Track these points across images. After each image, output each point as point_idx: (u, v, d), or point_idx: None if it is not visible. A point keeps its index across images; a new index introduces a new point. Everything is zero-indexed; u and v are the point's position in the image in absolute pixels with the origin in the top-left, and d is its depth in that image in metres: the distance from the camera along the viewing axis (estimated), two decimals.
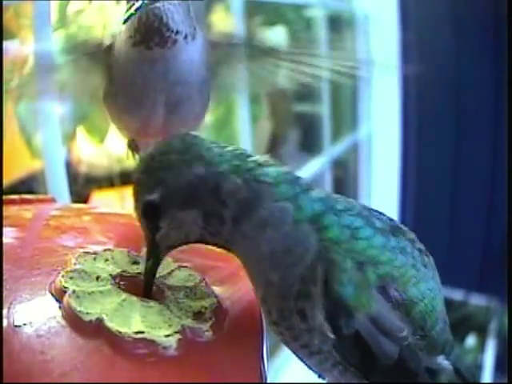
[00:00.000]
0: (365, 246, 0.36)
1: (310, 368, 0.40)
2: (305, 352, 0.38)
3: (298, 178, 0.38)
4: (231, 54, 0.54)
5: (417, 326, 0.37)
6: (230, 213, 0.36)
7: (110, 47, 0.50)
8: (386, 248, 0.37)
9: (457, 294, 2.33)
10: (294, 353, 0.40)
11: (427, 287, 0.38)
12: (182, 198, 0.36)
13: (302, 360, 0.40)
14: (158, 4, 0.44)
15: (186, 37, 0.47)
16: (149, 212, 0.37)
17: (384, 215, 0.40)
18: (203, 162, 0.36)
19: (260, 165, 0.37)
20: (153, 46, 0.46)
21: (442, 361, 0.39)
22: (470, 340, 2.31)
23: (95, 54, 0.52)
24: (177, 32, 0.46)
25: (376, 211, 0.40)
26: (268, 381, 0.40)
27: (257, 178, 0.36)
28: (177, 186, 0.36)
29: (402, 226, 0.40)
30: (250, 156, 0.37)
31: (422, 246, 0.40)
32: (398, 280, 0.36)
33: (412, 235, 0.40)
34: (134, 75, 0.48)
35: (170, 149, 0.37)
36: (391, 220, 0.40)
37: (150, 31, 0.46)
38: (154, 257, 0.39)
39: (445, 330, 0.40)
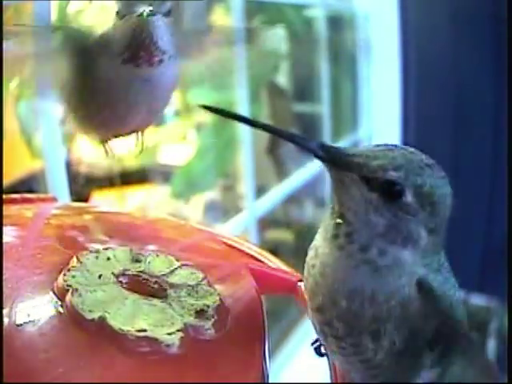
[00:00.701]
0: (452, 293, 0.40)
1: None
2: (362, 366, 0.38)
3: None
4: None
5: None
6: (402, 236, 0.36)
7: (97, 48, 0.51)
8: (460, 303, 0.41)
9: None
10: (342, 364, 0.40)
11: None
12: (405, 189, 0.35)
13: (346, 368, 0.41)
14: (154, 18, 0.46)
15: (170, 57, 0.49)
16: (377, 180, 0.35)
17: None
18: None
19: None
20: (142, 63, 0.48)
21: None
22: None
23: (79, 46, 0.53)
24: (164, 52, 0.48)
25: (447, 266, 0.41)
26: (269, 380, 0.40)
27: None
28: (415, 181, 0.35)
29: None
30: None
31: None
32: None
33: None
34: (119, 89, 0.50)
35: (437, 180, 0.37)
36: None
37: (140, 49, 0.48)
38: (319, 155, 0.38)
39: None
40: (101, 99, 0.52)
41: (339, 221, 0.36)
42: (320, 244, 0.38)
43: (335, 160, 0.37)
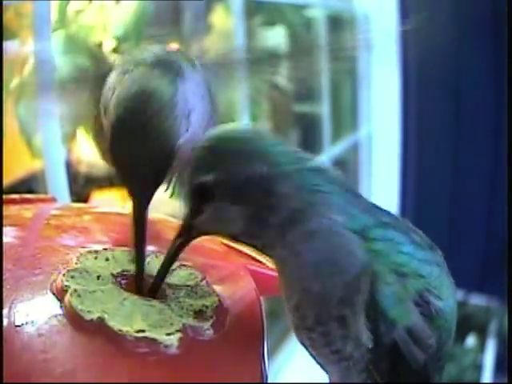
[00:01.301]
0: (407, 260, 0.37)
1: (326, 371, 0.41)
2: (334, 358, 0.38)
3: (352, 188, 0.38)
4: (232, 71, 0.53)
5: (438, 336, 0.38)
6: (278, 219, 0.35)
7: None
8: (425, 261, 0.38)
9: (457, 294, 2.32)
10: (314, 357, 0.40)
11: (453, 304, 0.39)
12: (234, 190, 0.35)
13: (322, 366, 0.41)
14: None
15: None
16: (197, 193, 0.36)
17: (419, 231, 0.40)
18: (267, 159, 0.35)
19: (318, 171, 0.36)
20: None
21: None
22: (470, 340, 2.31)
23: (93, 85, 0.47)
24: None
25: (413, 227, 0.40)
26: (269, 380, 0.40)
27: (313, 186, 0.36)
28: (234, 176, 0.35)
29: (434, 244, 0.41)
30: (309, 160, 0.37)
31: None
32: (433, 292, 0.37)
33: (441, 253, 0.41)
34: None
35: (238, 138, 0.36)
36: (425, 236, 0.41)
37: None
38: (184, 239, 0.38)
39: (449, 349, 0.41)
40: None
41: None
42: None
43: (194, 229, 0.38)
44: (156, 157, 0.37)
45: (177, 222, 0.58)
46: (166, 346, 0.34)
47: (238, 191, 0.35)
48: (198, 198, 0.37)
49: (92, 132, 0.50)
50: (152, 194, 0.39)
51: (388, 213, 0.39)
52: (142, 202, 0.38)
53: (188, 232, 0.38)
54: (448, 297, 0.38)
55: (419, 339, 0.36)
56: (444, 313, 0.38)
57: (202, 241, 0.52)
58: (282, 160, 0.35)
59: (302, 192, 0.35)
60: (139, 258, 0.39)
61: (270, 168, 0.35)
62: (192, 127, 0.41)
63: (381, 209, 0.39)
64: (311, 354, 0.40)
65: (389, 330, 0.36)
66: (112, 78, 0.41)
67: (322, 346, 0.38)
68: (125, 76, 0.39)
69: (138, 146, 0.36)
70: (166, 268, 0.39)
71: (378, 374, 0.38)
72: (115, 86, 0.39)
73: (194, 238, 0.39)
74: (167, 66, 0.40)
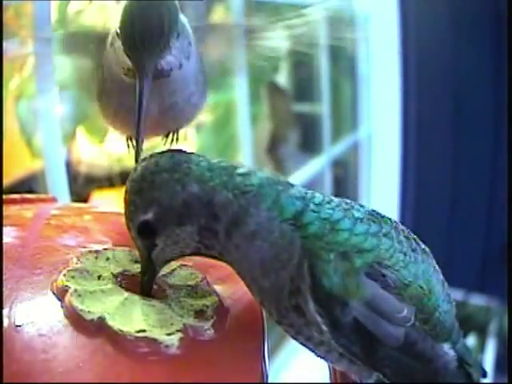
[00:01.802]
0: (347, 236, 0.37)
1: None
2: (310, 344, 0.39)
3: (278, 179, 0.39)
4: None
5: (416, 308, 0.37)
6: (222, 226, 0.37)
7: (103, 47, 0.49)
8: (368, 234, 0.37)
9: (457, 294, 2.33)
10: (304, 346, 0.40)
11: (419, 269, 0.38)
12: (176, 215, 0.37)
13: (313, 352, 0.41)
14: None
15: (180, 66, 0.47)
16: (144, 231, 0.38)
17: (363, 206, 0.40)
18: (194, 178, 0.37)
19: (244, 175, 0.38)
20: None
21: (448, 350, 0.39)
22: (470, 340, 2.31)
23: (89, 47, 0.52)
24: (171, 69, 0.46)
25: (356, 204, 0.40)
26: (269, 380, 0.40)
27: (243, 190, 0.37)
28: (170, 204, 0.37)
29: (384, 215, 0.41)
30: (236, 168, 0.38)
31: (410, 233, 0.41)
32: (386, 262, 0.37)
33: (396, 223, 0.41)
34: (127, 96, 0.47)
35: (160, 167, 0.37)
36: (372, 211, 0.41)
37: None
38: (150, 273, 0.40)
39: (450, 313, 0.40)
40: (112, 103, 0.51)
41: None
42: None
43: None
44: (160, 31, 0.43)
45: None
46: (167, 346, 0.34)
47: (180, 214, 0.37)
48: (148, 236, 0.38)
49: (96, 89, 0.53)
50: (152, 65, 0.43)
51: (322, 194, 0.40)
52: (146, 71, 0.43)
53: (151, 267, 0.39)
54: (407, 264, 0.38)
55: (385, 312, 0.36)
56: (410, 281, 0.37)
57: None
58: (208, 176, 0.37)
59: (234, 197, 0.37)
60: (139, 128, 0.43)
61: (201, 185, 0.37)
62: (192, 59, 0.47)
63: (313, 192, 0.39)
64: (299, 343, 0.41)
65: (344, 310, 0.35)
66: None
67: (295, 336, 0.39)
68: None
69: (146, 22, 0.43)
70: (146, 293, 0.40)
71: (353, 357, 0.37)
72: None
73: (159, 269, 0.40)
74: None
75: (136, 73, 0.43)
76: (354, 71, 2.54)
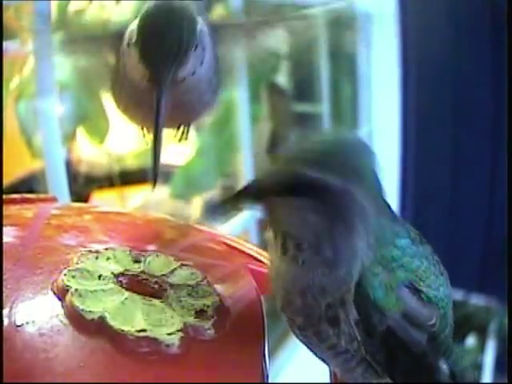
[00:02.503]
0: (399, 254, 0.38)
1: (325, 362, 0.42)
2: (331, 353, 0.39)
3: None
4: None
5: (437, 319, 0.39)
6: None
7: (119, 44, 0.49)
8: (416, 256, 0.39)
9: (457, 294, 2.33)
10: (316, 353, 0.41)
11: (444, 293, 0.40)
12: (326, 205, 0.35)
13: (323, 360, 0.41)
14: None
15: (193, 72, 0.47)
16: (289, 183, 0.35)
17: (407, 224, 0.41)
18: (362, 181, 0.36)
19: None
20: None
21: (442, 364, 0.41)
22: (470, 340, 2.30)
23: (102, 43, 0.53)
24: (185, 73, 0.46)
25: (407, 223, 0.41)
26: (269, 380, 0.40)
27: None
28: (336, 192, 0.35)
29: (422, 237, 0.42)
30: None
31: (437, 258, 0.43)
32: (424, 282, 0.38)
33: (429, 246, 0.42)
34: (143, 93, 0.47)
35: (349, 151, 0.36)
36: (413, 229, 0.42)
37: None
38: (234, 203, 0.38)
39: (450, 335, 0.42)
40: (128, 98, 0.51)
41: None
42: (273, 258, 0.39)
43: (249, 198, 0.37)
44: (179, 45, 0.43)
45: (176, 222, 0.59)
46: (167, 346, 0.34)
47: (327, 204, 0.35)
48: (282, 187, 0.35)
49: (111, 83, 0.53)
50: (170, 78, 0.44)
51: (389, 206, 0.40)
52: (163, 83, 0.43)
53: (255, 194, 0.36)
54: (438, 287, 0.40)
55: (418, 321, 0.38)
56: (437, 300, 0.39)
57: (203, 241, 0.53)
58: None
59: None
60: (157, 137, 0.43)
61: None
62: (205, 63, 0.47)
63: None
64: (311, 350, 0.41)
65: (382, 319, 0.36)
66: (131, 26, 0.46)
67: (316, 343, 0.39)
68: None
69: (164, 36, 0.43)
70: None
71: (376, 363, 0.38)
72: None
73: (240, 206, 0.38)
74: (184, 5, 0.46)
75: (153, 84, 0.43)
76: (354, 71, 2.54)
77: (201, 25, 0.46)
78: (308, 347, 0.41)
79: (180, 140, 0.56)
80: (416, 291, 0.37)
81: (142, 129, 0.55)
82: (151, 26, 0.44)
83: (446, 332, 0.41)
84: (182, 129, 0.56)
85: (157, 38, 0.43)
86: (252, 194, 0.36)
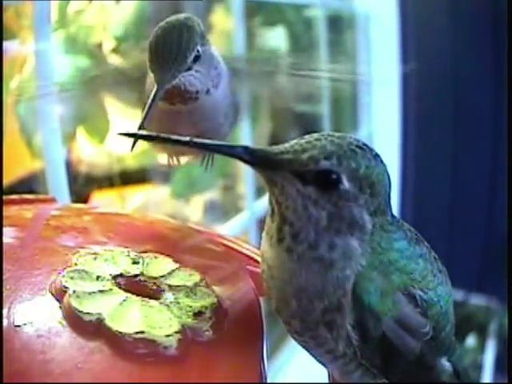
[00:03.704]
0: (397, 258, 0.38)
1: (324, 365, 0.42)
2: (329, 357, 0.39)
3: None
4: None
5: (431, 326, 0.39)
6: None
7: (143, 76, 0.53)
8: (412, 258, 0.39)
9: (457, 294, 2.32)
10: (315, 356, 0.41)
11: (442, 291, 0.40)
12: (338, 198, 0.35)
13: (322, 363, 0.41)
14: (176, 81, 0.47)
15: (207, 91, 0.50)
16: (311, 172, 0.35)
17: (404, 223, 0.41)
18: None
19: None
20: (176, 102, 0.49)
21: (444, 362, 0.41)
22: (470, 340, 2.30)
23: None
24: (197, 92, 0.49)
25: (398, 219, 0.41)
26: (268, 381, 0.40)
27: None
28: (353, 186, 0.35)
29: (420, 235, 0.42)
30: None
31: (435, 255, 0.42)
32: (419, 284, 0.38)
33: (427, 244, 0.42)
34: (159, 118, 0.49)
35: (367, 156, 0.37)
36: (411, 228, 0.41)
37: (170, 96, 0.48)
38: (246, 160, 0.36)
39: (451, 332, 0.42)
40: (153, 128, 0.53)
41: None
42: (266, 249, 0.38)
43: (263, 162, 0.36)
44: (178, 46, 0.47)
45: (176, 223, 0.59)
46: (165, 347, 0.34)
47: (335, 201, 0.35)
48: (301, 173, 0.35)
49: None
50: (169, 75, 0.47)
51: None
52: (163, 80, 0.46)
53: (269, 164, 0.36)
54: (436, 286, 0.39)
55: (411, 328, 0.37)
56: (435, 301, 0.38)
57: (202, 242, 0.53)
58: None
59: None
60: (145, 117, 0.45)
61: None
62: (220, 89, 0.51)
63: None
64: (309, 353, 0.41)
65: (376, 325, 0.36)
66: None
67: (314, 347, 0.39)
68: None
69: (166, 39, 0.47)
70: None
71: (373, 367, 0.38)
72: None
73: (256, 166, 0.36)
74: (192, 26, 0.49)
75: (155, 84, 0.46)
76: (353, 71, 2.53)
77: (212, 49, 0.51)
78: (306, 350, 0.41)
79: (206, 168, 0.58)
80: (411, 298, 0.37)
81: (171, 157, 0.59)
82: (157, 34, 0.48)
83: (447, 330, 0.40)
84: (206, 157, 0.58)
85: (160, 42, 0.47)
86: (268, 162, 0.36)
